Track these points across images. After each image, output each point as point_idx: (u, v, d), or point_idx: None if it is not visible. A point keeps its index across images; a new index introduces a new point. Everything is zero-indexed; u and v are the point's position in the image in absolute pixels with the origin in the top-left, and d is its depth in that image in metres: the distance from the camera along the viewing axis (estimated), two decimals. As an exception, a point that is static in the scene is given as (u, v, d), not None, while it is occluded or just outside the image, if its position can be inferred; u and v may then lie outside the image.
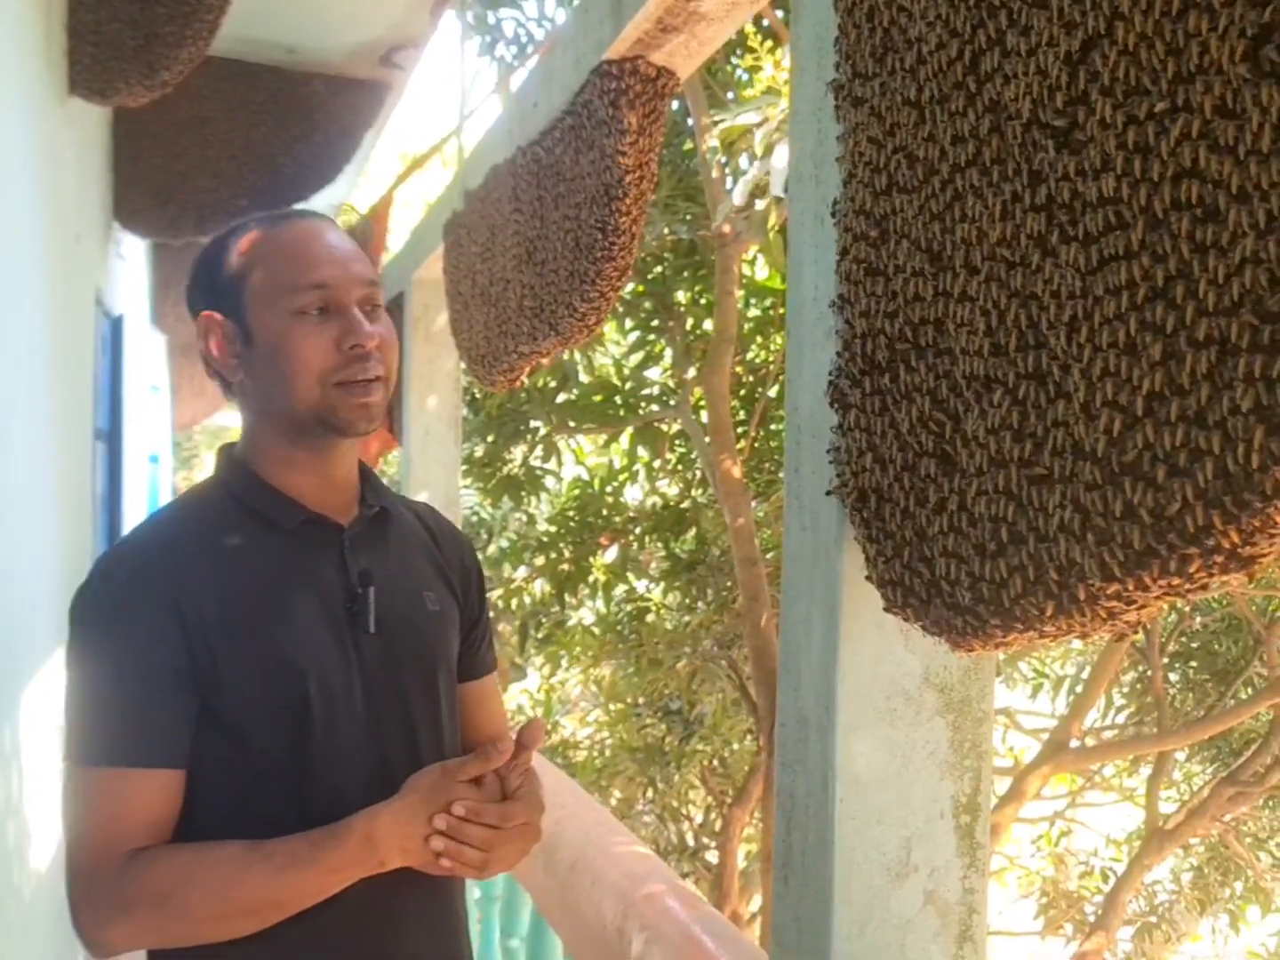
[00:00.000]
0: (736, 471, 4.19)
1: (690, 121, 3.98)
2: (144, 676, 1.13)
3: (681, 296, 4.97)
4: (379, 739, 1.20)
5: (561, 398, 5.25)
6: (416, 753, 1.22)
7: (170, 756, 1.14)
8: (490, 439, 5.63)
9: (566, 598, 5.76)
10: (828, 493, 1.14)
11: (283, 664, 1.15)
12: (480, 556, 6.80)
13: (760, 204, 3.16)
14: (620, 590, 5.85)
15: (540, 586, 6.16)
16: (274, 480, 1.23)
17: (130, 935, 1.12)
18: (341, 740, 1.17)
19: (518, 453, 5.76)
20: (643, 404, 5.32)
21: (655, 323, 4.93)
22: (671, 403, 5.12)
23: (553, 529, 5.95)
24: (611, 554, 5.79)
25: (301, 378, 1.18)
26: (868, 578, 1.08)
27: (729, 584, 5.05)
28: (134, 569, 1.17)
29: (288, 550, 1.21)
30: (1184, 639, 4.75)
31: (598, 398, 5.29)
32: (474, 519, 6.72)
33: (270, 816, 1.15)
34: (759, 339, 5.06)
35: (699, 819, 6.28)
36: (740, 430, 4.81)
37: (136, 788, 1.12)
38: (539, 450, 5.70)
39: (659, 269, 4.83)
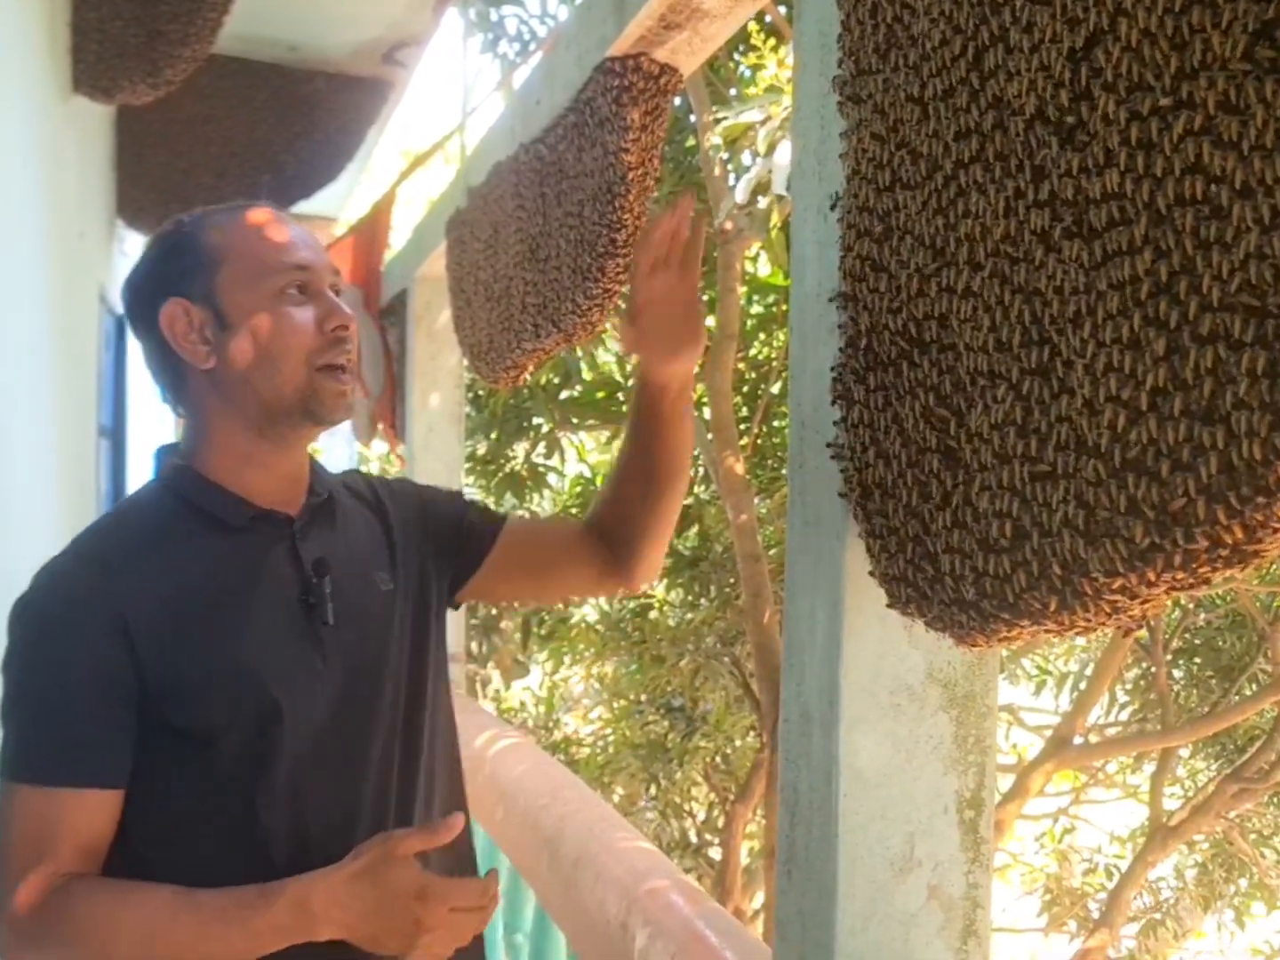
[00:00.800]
0: (739, 468, 4.19)
1: (692, 118, 3.97)
2: (78, 695, 1.10)
3: (684, 293, 4.96)
4: (341, 734, 1.18)
5: (564, 395, 5.25)
6: (369, 745, 1.20)
7: (104, 776, 1.10)
8: (493, 436, 5.63)
9: (569, 594, 5.75)
10: (841, 494, 1.13)
11: (244, 669, 1.13)
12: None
13: (762, 201, 3.16)
14: (623, 587, 5.84)
15: (543, 584, 6.15)
16: (221, 478, 1.20)
17: None
18: (307, 738, 1.16)
19: (520, 450, 5.76)
20: (645, 401, 5.31)
21: (658, 319, 4.92)
22: (674, 400, 5.10)
23: (556, 526, 5.92)
24: (614, 551, 5.78)
25: (287, 358, 1.17)
26: (871, 573, 1.08)
27: (732, 581, 5.05)
28: (73, 584, 1.13)
29: (237, 549, 1.19)
30: (1188, 635, 4.74)
31: (600, 395, 5.29)
32: (477, 516, 6.70)
33: (232, 816, 1.13)
34: (761, 335, 5.06)
35: (701, 815, 6.28)
36: (743, 427, 4.81)
37: (68, 809, 1.08)
38: (542, 447, 5.69)
39: (661, 266, 4.82)
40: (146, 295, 1.21)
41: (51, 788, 1.09)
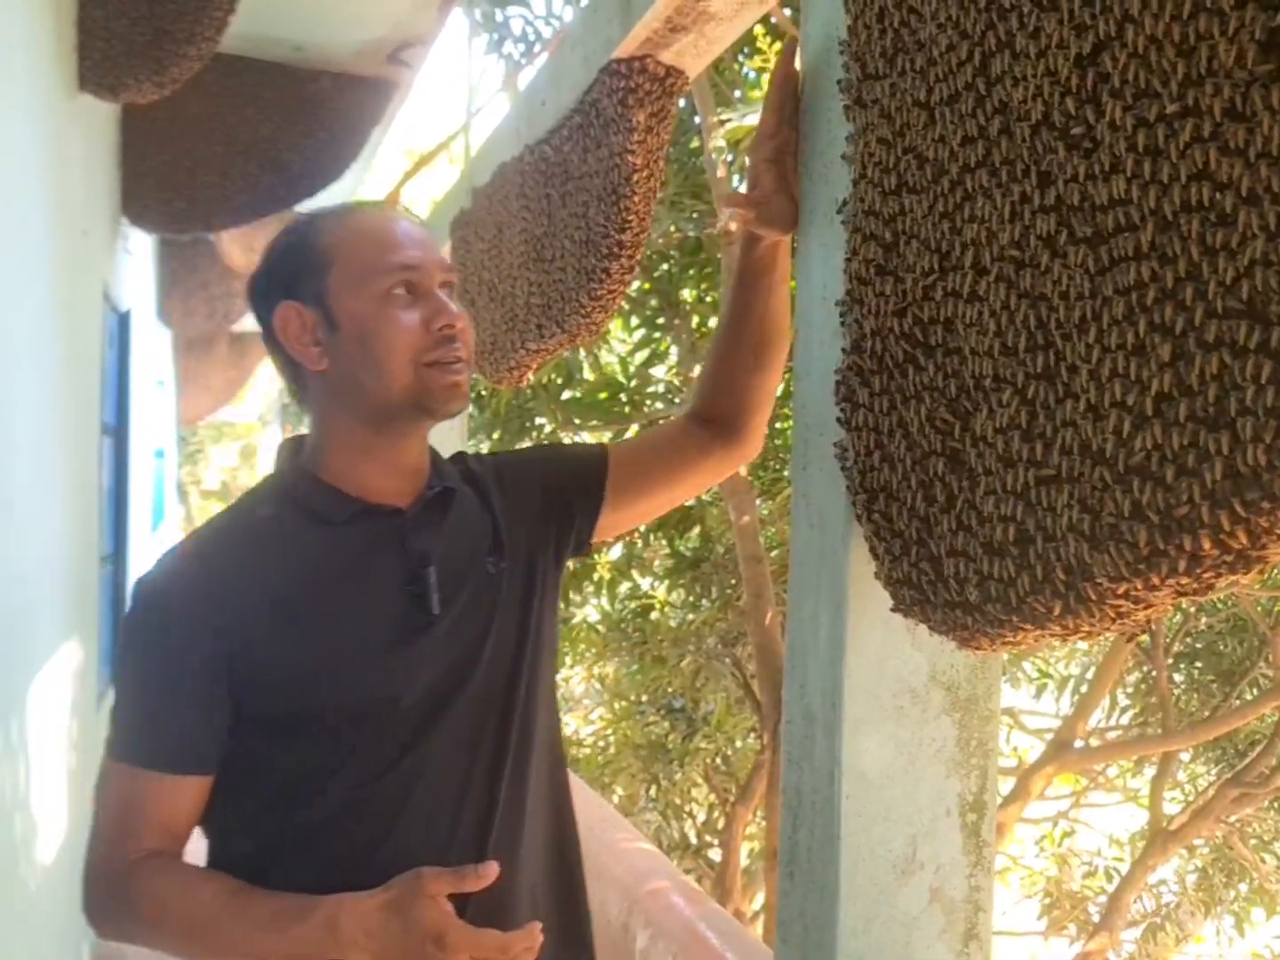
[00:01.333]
0: (741, 469, 4.19)
1: (697, 119, 3.98)
2: (172, 687, 1.16)
3: (687, 294, 4.97)
4: (429, 723, 1.19)
5: (567, 395, 5.26)
6: (460, 737, 1.21)
7: (191, 764, 1.17)
8: (496, 436, 5.63)
9: (571, 595, 5.76)
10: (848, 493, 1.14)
11: (335, 657, 1.17)
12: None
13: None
14: (625, 588, 5.86)
15: (545, 583, 6.15)
16: (335, 473, 1.23)
17: (114, 935, 1.18)
18: (397, 726, 1.18)
19: (523, 450, 5.76)
20: (648, 401, 5.32)
21: (661, 320, 4.93)
22: (676, 400, 5.12)
23: (557, 526, 5.92)
24: (616, 551, 5.79)
25: (393, 359, 1.18)
26: (875, 576, 1.08)
27: (733, 582, 5.06)
28: (177, 581, 1.20)
29: (340, 543, 1.21)
30: (1189, 639, 4.75)
31: (603, 395, 5.29)
32: (479, 516, 6.70)
33: (315, 802, 1.17)
34: (764, 337, 5.05)
35: (702, 816, 6.28)
36: (745, 428, 4.80)
37: (153, 790, 1.16)
38: (544, 448, 5.69)
39: (665, 266, 4.83)
40: (263, 298, 1.24)
41: (141, 769, 1.16)
